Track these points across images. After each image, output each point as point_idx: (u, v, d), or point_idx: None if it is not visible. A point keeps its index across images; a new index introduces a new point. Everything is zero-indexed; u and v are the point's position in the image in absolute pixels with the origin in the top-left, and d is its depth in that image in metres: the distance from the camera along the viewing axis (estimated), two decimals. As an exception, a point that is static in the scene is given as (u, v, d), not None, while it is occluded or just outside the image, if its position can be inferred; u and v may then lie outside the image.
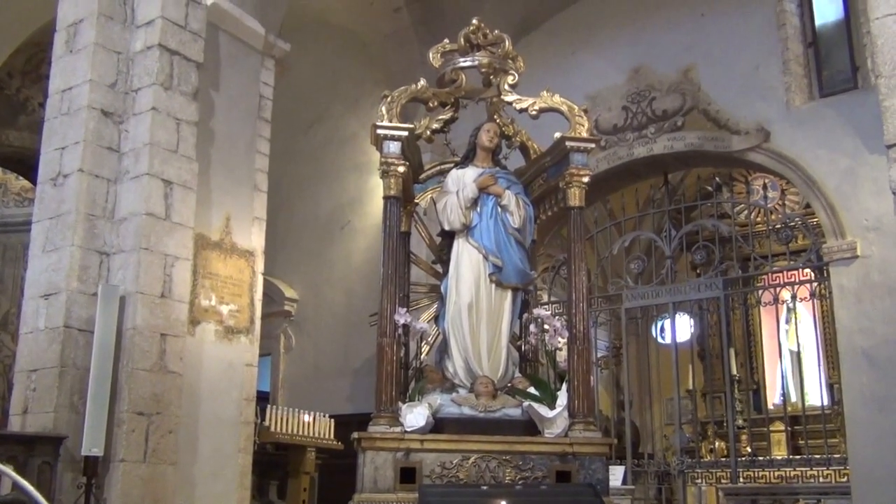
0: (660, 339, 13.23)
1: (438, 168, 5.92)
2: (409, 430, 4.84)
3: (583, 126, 5.30)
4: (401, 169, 5.18)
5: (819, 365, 9.33)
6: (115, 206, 6.94)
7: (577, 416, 4.96)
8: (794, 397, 10.50)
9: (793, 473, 8.31)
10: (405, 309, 5.27)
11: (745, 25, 8.99)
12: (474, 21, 5.63)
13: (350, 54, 11.64)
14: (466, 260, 5.34)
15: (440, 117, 5.81)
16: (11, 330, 11.56)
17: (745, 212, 10.63)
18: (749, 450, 10.21)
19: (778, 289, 9.02)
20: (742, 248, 9.66)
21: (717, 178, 10.02)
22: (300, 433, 8.72)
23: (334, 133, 12.03)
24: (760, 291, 9.39)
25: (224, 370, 7.35)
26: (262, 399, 8.87)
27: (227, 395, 7.36)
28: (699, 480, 8.93)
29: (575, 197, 5.23)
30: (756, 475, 8.54)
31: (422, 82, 5.58)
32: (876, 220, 7.78)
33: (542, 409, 4.98)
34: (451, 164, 5.77)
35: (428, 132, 5.77)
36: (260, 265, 7.85)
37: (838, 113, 8.24)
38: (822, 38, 8.89)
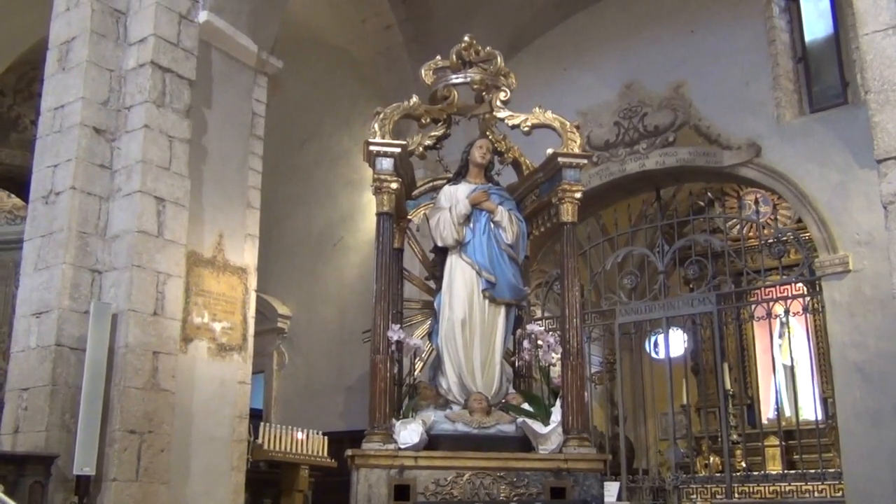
0: (653, 354, 13.25)
1: (431, 184, 5.92)
2: (402, 446, 4.81)
3: (575, 142, 5.31)
4: (393, 185, 5.18)
5: (812, 379, 9.34)
6: (107, 224, 6.93)
7: (571, 432, 4.95)
8: (788, 412, 10.49)
9: (788, 488, 8.29)
10: (398, 325, 5.26)
11: (735, 42, 9.05)
12: (466, 38, 5.65)
13: (342, 71, 11.68)
14: (459, 276, 5.34)
15: (432, 134, 5.82)
16: (3, 348, 11.51)
17: (738, 227, 10.64)
18: (744, 465, 10.20)
19: (771, 303, 9.04)
20: (734, 263, 9.68)
21: (709, 193, 10.04)
22: (293, 451, 8.68)
23: (327, 150, 12.05)
24: (753, 306, 9.41)
25: (217, 388, 7.32)
26: (255, 417, 8.82)
27: (220, 413, 7.32)
28: (694, 496, 8.90)
29: (567, 212, 5.23)
30: (751, 490, 8.51)
31: (414, 99, 5.59)
32: (867, 235, 7.81)
33: (537, 425, 4.97)
34: (444, 181, 5.77)
35: (420, 148, 5.78)
36: (253, 282, 7.84)
37: (829, 128, 8.29)
38: (812, 53, 8.96)
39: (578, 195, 5.26)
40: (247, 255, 7.82)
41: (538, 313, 9.66)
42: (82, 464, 6.13)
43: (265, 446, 8.37)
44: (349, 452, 4.84)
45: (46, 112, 7.19)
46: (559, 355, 5.19)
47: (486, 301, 5.30)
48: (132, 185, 6.88)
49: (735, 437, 10.55)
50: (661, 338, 11.35)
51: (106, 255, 6.86)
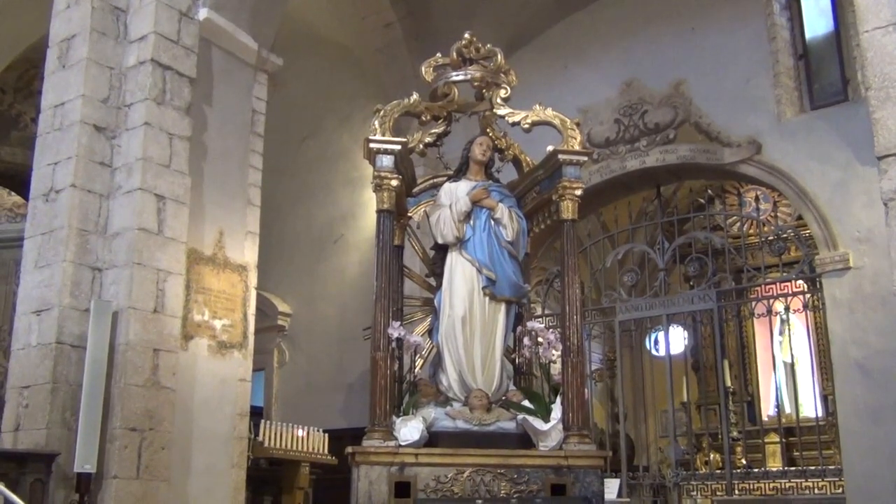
0: (654, 352, 13.29)
1: (431, 182, 5.91)
2: (403, 444, 4.81)
3: (575, 139, 5.31)
4: (394, 183, 5.18)
5: (813, 376, 9.35)
6: (107, 222, 6.93)
7: (571, 429, 4.95)
8: (788, 409, 10.51)
9: (788, 485, 8.31)
10: (399, 322, 5.26)
11: (736, 39, 9.05)
12: (466, 35, 5.64)
13: (342, 69, 11.67)
14: (460, 273, 5.34)
15: (433, 131, 5.81)
16: (3, 346, 11.51)
17: (738, 224, 10.65)
18: (744, 462, 10.23)
19: (771, 300, 9.04)
20: (735, 260, 9.69)
21: (710, 191, 10.05)
22: (294, 448, 8.69)
23: (327, 147, 12.05)
24: (754, 303, 9.42)
25: (217, 385, 7.32)
26: (256, 414, 8.83)
27: (221, 411, 7.32)
28: (694, 493, 8.92)
29: (568, 210, 5.23)
30: (751, 487, 8.53)
31: (414, 96, 5.58)
32: (868, 232, 7.82)
33: (537, 423, 4.97)
34: (444, 178, 5.77)
35: (421, 146, 5.77)
36: (253, 280, 7.83)
37: (829, 125, 8.29)
38: (813, 50, 8.95)
39: (579, 192, 5.26)
40: (247, 253, 7.81)
41: (538, 310, 9.66)
42: (83, 461, 6.13)
43: (266, 444, 8.38)
44: (350, 450, 4.84)
45: (47, 110, 7.19)
46: (559, 352, 5.19)
47: (487, 298, 5.30)
48: (132, 182, 6.88)
49: (735, 433, 10.57)
50: (661, 335, 11.37)
51: (106, 252, 6.86)
